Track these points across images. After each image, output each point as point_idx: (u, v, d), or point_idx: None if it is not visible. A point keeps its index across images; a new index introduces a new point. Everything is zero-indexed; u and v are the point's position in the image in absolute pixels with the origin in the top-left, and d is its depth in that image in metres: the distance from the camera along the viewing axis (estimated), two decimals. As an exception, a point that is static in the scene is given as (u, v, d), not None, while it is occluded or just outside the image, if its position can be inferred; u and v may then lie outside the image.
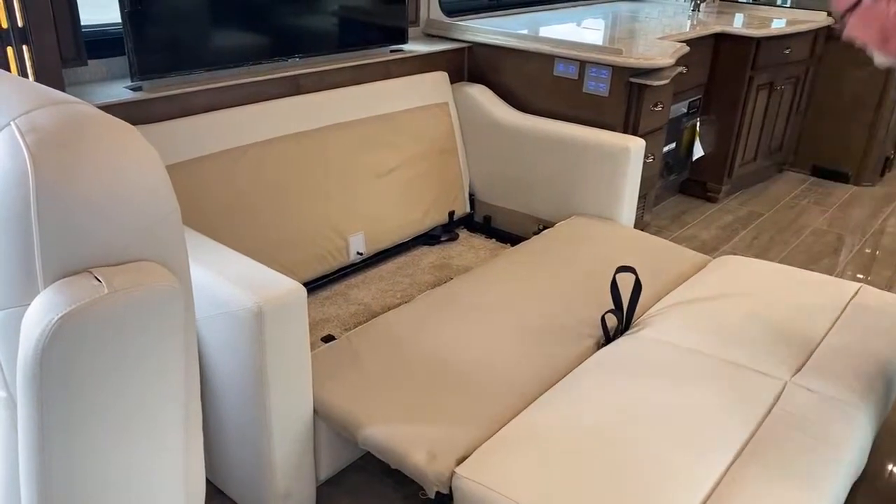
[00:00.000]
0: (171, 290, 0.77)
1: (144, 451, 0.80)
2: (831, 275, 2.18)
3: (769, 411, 1.50)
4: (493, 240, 2.77)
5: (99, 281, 0.73)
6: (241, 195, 2.05)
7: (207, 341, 1.50)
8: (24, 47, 1.51)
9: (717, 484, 1.31)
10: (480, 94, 2.71)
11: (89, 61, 1.92)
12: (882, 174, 4.01)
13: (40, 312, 0.71)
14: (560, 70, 2.58)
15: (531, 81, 2.68)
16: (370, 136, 2.40)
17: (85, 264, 0.75)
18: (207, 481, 1.71)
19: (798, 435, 1.43)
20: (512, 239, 2.68)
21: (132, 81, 1.94)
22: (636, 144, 2.39)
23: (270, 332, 1.39)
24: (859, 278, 2.30)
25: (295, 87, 2.25)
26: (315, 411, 1.56)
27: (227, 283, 1.43)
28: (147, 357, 0.76)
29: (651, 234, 2.43)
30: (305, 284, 2.24)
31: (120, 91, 1.92)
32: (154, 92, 1.93)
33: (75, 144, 0.75)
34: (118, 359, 0.74)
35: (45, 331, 0.69)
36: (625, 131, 2.53)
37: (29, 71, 1.54)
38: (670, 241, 2.43)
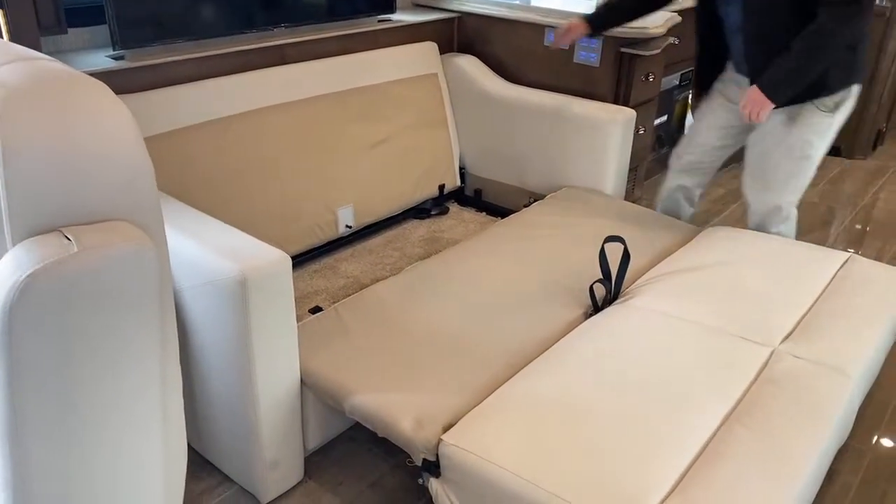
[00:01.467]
0: (144, 249, 0.76)
1: (119, 412, 0.79)
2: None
3: (756, 377, 1.51)
4: (484, 213, 2.75)
5: (69, 239, 0.71)
6: (227, 167, 2.03)
7: (192, 312, 1.49)
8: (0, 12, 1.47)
9: (704, 448, 1.31)
10: (470, 65, 2.68)
11: (70, 30, 1.89)
12: (874, 148, 4.00)
13: (8, 271, 0.69)
14: (550, 40, 2.55)
15: (522, 52, 2.65)
16: (358, 108, 2.38)
17: (55, 223, 0.73)
18: (195, 452, 1.71)
19: (784, 401, 1.43)
20: (503, 212, 2.67)
21: (114, 50, 1.91)
22: (626, 116, 2.37)
23: (255, 302, 1.38)
24: (850, 251, 2.30)
25: (280, 56, 2.21)
26: (302, 381, 1.56)
27: (210, 252, 1.41)
28: (120, 317, 0.75)
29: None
30: (294, 258, 2.23)
31: (101, 60, 1.89)
32: (136, 61, 1.89)
33: (43, 100, 0.74)
34: (90, 318, 0.72)
35: (12, 289, 0.68)
36: (615, 102, 2.51)
37: (4, 37, 1.50)
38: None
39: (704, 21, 2.14)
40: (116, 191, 0.77)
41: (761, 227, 2.17)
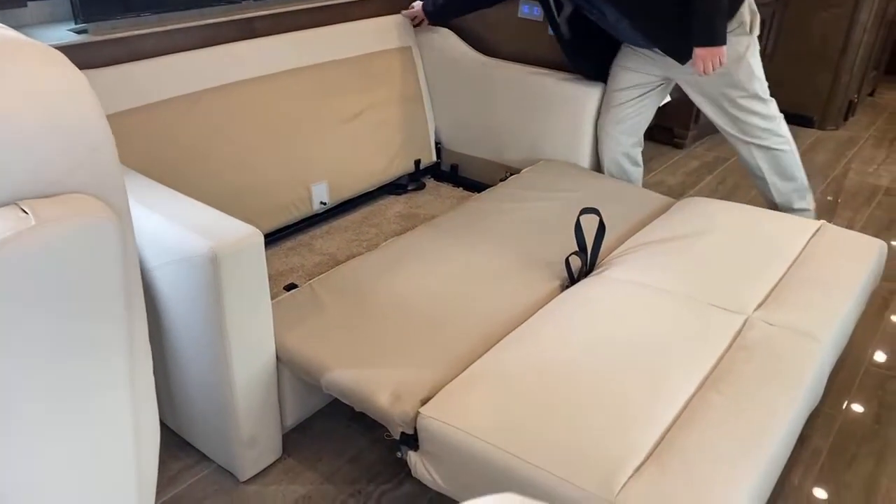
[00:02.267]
0: (105, 223, 0.74)
1: (84, 392, 0.77)
2: (794, 215, 2.21)
3: (730, 345, 1.52)
4: (461, 188, 2.74)
5: (25, 213, 0.69)
6: (196, 144, 1.99)
7: (163, 290, 1.47)
8: (-48, -17, 1.41)
9: (679, 415, 1.33)
10: (444, 39, 2.65)
11: (30, 2, 1.83)
12: (846, 118, 4.04)
13: (-37, 246, 0.67)
14: (524, 12, 2.53)
15: (496, 24, 2.62)
16: (330, 82, 2.34)
17: (11, 196, 0.71)
18: (171, 432, 1.70)
19: (757, 367, 1.45)
20: (479, 187, 2.65)
21: (76, 24, 1.85)
22: (600, 88, 2.36)
23: (227, 279, 1.36)
24: (821, 220, 2.34)
25: (250, 30, 2.17)
26: (278, 358, 1.54)
27: (180, 229, 1.39)
28: (82, 292, 0.73)
29: (617, 178, 2.43)
30: (268, 235, 2.21)
31: (63, 34, 1.83)
32: (100, 35, 1.84)
33: (-6, 68, 0.71)
34: (49, 293, 0.70)
35: (-32, 264, 0.66)
36: (590, 74, 2.50)
37: (-41, 8, 1.45)
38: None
39: (567, 30, 2.26)
40: (75, 162, 0.74)
41: (768, 157, 2.24)
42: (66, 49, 1.77)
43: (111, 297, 0.77)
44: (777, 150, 2.22)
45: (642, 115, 2.33)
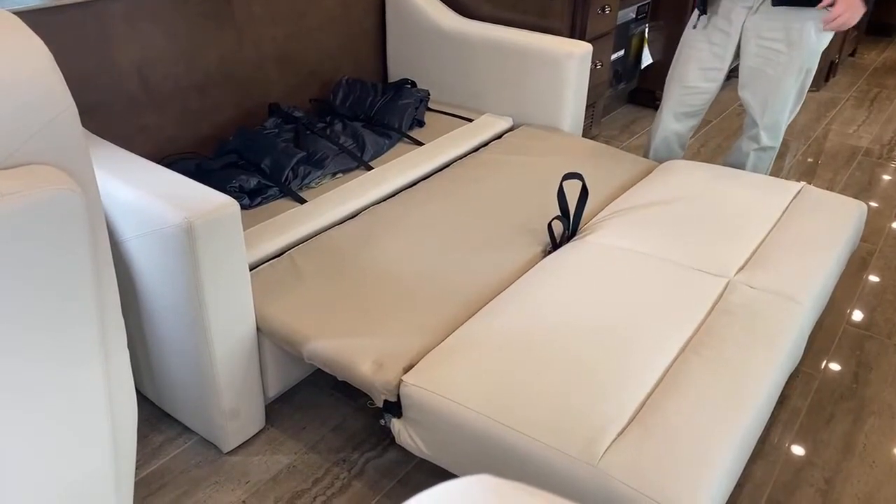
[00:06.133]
0: (69, 194, 0.71)
1: (53, 365, 0.75)
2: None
3: (712, 308, 1.53)
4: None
5: (-17, 185, 0.66)
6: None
7: (139, 263, 1.44)
8: None
9: (661, 379, 1.33)
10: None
11: (-12, -35, 1.75)
12: (827, 79, 4.03)
13: (-82, 221, 0.64)
14: (504, -28, 2.47)
15: (475, -15, 2.56)
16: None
17: (-33, 168, 0.68)
18: (153, 405, 1.68)
19: (739, 330, 1.46)
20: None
21: (38, -13, 1.78)
22: (582, 49, 2.32)
23: (203, 250, 1.33)
24: (802, 182, 2.34)
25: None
26: (258, 329, 1.53)
27: (154, 199, 1.35)
28: (47, 267, 0.71)
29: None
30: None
31: (24, -2, 1.76)
32: (64, -2, 1.77)
33: (-58, 32, 0.67)
34: (13, 268, 0.68)
35: (-77, 240, 0.63)
36: (571, 36, 2.46)
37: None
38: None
39: None
40: (35, 131, 0.71)
41: (756, 157, 2.24)
42: (27, 14, 1.70)
43: (78, 270, 0.74)
44: (771, 147, 2.22)
45: (708, 102, 2.25)
